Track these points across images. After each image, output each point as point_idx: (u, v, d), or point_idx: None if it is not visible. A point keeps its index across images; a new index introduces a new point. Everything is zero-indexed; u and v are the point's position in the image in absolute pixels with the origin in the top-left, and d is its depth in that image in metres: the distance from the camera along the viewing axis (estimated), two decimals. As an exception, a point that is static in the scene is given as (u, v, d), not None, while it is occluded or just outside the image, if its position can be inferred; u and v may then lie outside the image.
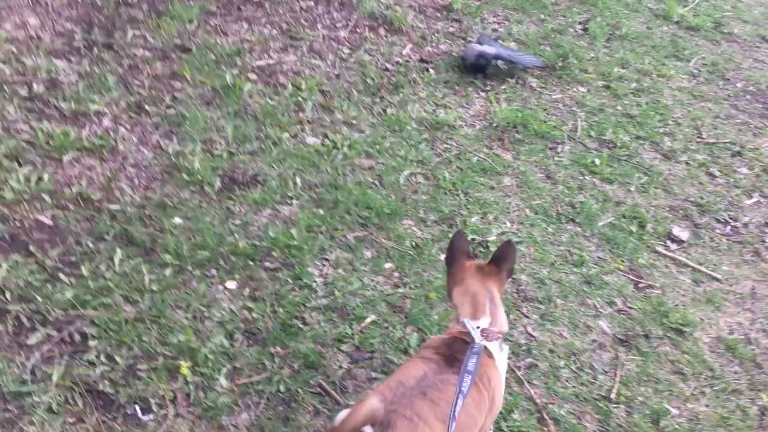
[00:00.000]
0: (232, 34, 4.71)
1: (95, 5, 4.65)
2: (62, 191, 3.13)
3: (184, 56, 4.32)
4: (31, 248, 2.79)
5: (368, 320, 2.85)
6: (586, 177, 4.10)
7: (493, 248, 3.37)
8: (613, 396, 2.81)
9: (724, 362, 3.12)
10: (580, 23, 5.92)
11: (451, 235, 2.34)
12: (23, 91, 3.68)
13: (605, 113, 4.76)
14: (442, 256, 3.26)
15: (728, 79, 5.58)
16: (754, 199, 4.25)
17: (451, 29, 5.40)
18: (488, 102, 4.61)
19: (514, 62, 4.90)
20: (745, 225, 4.01)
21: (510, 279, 2.48)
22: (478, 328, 2.04)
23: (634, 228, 3.76)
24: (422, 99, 4.49)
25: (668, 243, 3.75)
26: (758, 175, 4.47)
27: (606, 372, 2.93)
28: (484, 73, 4.82)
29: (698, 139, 4.70)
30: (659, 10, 6.49)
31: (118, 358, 2.45)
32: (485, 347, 2.01)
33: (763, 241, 3.91)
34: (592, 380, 2.87)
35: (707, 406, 2.89)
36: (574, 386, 2.82)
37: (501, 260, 2.25)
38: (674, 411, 2.83)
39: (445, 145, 4.09)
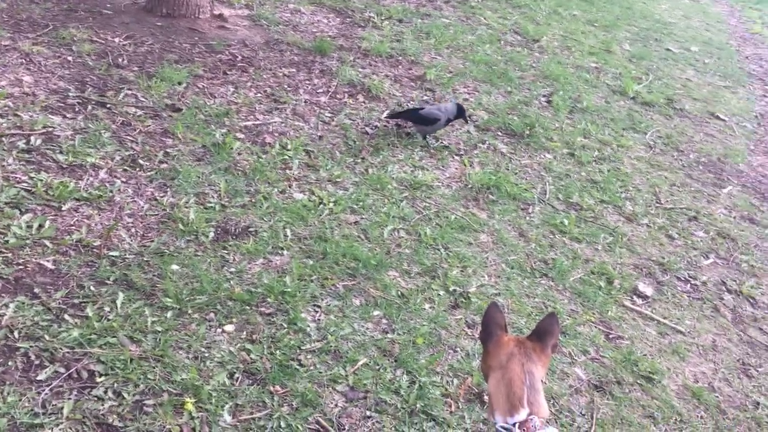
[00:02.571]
0: (219, 96, 4.94)
1: (87, 65, 4.84)
2: (63, 238, 3.23)
3: (174, 115, 4.52)
4: (36, 290, 2.88)
5: (360, 363, 2.99)
6: (557, 236, 4.36)
7: (474, 299, 3.57)
8: (591, 437, 2.98)
9: (690, 408, 3.33)
10: (544, 96, 6.34)
11: (485, 307, 2.19)
12: (22, 143, 3.81)
13: (571, 178, 5.08)
14: (427, 306, 3.45)
15: (682, 151, 6.01)
16: (711, 260, 4.55)
17: (425, 97, 5.73)
18: (463, 165, 4.89)
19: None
20: (704, 283, 4.29)
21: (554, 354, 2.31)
22: (515, 425, 1.89)
23: (602, 283, 4.01)
24: (401, 161, 4.75)
25: (634, 298, 4.00)
26: (713, 239, 4.80)
27: (583, 415, 3.10)
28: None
29: (657, 205, 5.04)
30: (616, 86, 6.98)
31: (125, 394, 2.53)
32: None
33: (721, 298, 4.19)
34: (571, 422, 3.04)
35: (677, 447, 3.08)
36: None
37: (544, 334, 2.08)
38: (647, 452, 3.00)
39: (425, 204, 4.32)
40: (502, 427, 1.93)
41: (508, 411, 1.94)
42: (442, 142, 5.10)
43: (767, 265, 4.66)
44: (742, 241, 4.85)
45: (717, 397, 3.44)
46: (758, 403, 3.46)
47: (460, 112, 4.99)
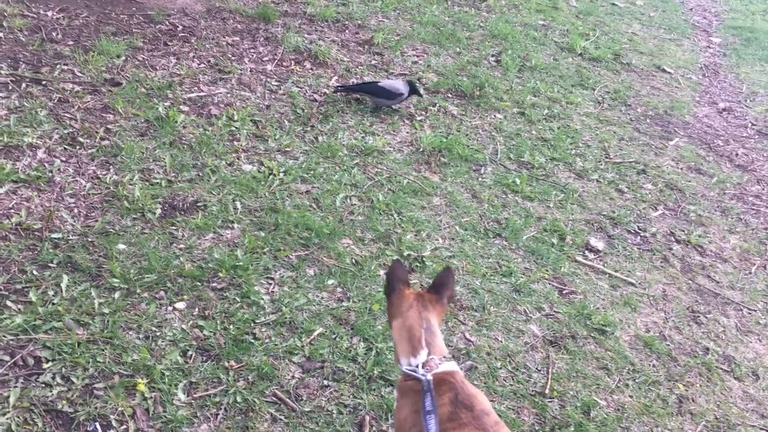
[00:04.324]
0: (160, 68, 4.79)
1: (19, 42, 4.64)
2: (1, 222, 3.12)
3: (114, 90, 4.37)
4: (-25, 277, 2.78)
5: (316, 333, 2.98)
6: (509, 195, 4.38)
7: (428, 263, 3.57)
8: (547, 392, 3.03)
9: (643, 357, 3.40)
10: (493, 56, 6.31)
11: (389, 263, 2.27)
12: (-48, 125, 3.65)
13: (521, 137, 5.09)
14: (382, 272, 3.44)
15: (629, 105, 6.07)
16: (659, 212, 4.63)
17: (373, 62, 5.65)
18: (414, 129, 4.86)
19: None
20: (653, 235, 4.37)
21: (450, 304, 2.41)
22: (418, 366, 2.03)
23: (555, 240, 4.05)
24: (351, 127, 4.69)
25: (586, 253, 4.05)
26: (662, 190, 4.88)
27: (539, 370, 3.14)
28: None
29: (606, 159, 5.10)
30: (564, 43, 6.99)
31: (74, 379, 2.48)
32: (440, 374, 2.00)
33: (670, 249, 4.28)
34: (527, 378, 3.08)
35: (631, 396, 3.15)
36: (511, 384, 3.02)
37: (440, 287, 2.24)
38: (602, 402, 3.07)
39: (376, 169, 4.29)
40: (408, 369, 2.06)
41: (411, 352, 2.09)
42: (391, 107, 5.05)
43: (714, 215, 4.76)
44: (690, 192, 4.94)
45: (668, 345, 3.52)
46: (708, 349, 3.55)
47: (413, 89, 4.94)
